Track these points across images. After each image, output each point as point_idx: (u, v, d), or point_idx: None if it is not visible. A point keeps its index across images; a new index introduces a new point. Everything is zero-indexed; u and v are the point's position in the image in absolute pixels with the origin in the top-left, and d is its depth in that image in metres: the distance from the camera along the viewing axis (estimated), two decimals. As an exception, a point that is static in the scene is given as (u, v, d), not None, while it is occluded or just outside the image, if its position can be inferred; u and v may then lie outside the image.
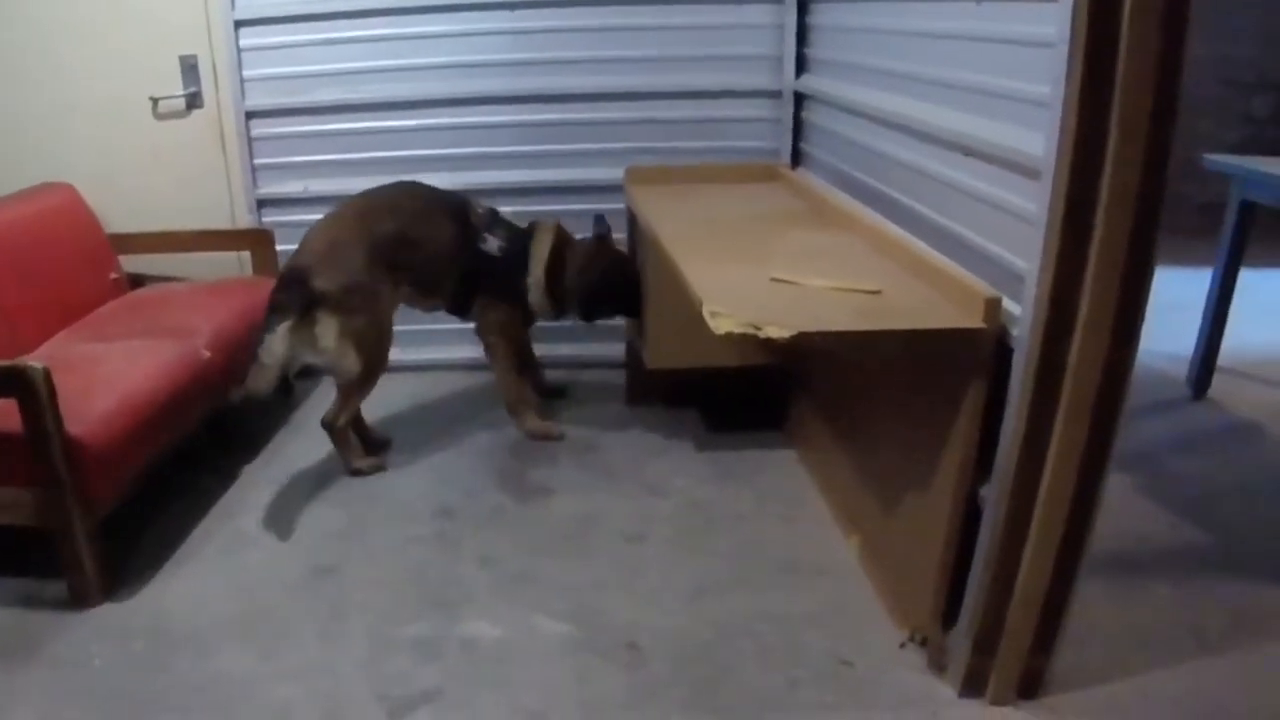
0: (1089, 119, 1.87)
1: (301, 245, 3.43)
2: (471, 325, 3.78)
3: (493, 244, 3.57)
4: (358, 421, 3.66)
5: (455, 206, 3.59)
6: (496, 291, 3.63)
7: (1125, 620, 2.67)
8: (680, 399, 4.05)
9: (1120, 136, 1.86)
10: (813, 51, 4.04)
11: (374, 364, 3.45)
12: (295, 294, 3.26)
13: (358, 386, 3.46)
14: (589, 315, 3.80)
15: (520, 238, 3.64)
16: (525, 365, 3.92)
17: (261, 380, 3.22)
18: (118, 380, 3.03)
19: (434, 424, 3.96)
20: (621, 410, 4.09)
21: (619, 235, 3.92)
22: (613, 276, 3.73)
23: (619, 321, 3.98)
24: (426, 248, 3.50)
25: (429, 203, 3.56)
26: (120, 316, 3.77)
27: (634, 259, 3.84)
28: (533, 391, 3.95)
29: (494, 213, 3.65)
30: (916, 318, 2.33)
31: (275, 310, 3.25)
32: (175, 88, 4.19)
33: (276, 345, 3.21)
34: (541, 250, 3.63)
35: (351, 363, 3.38)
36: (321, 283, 3.27)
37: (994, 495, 2.22)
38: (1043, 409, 2.09)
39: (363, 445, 3.66)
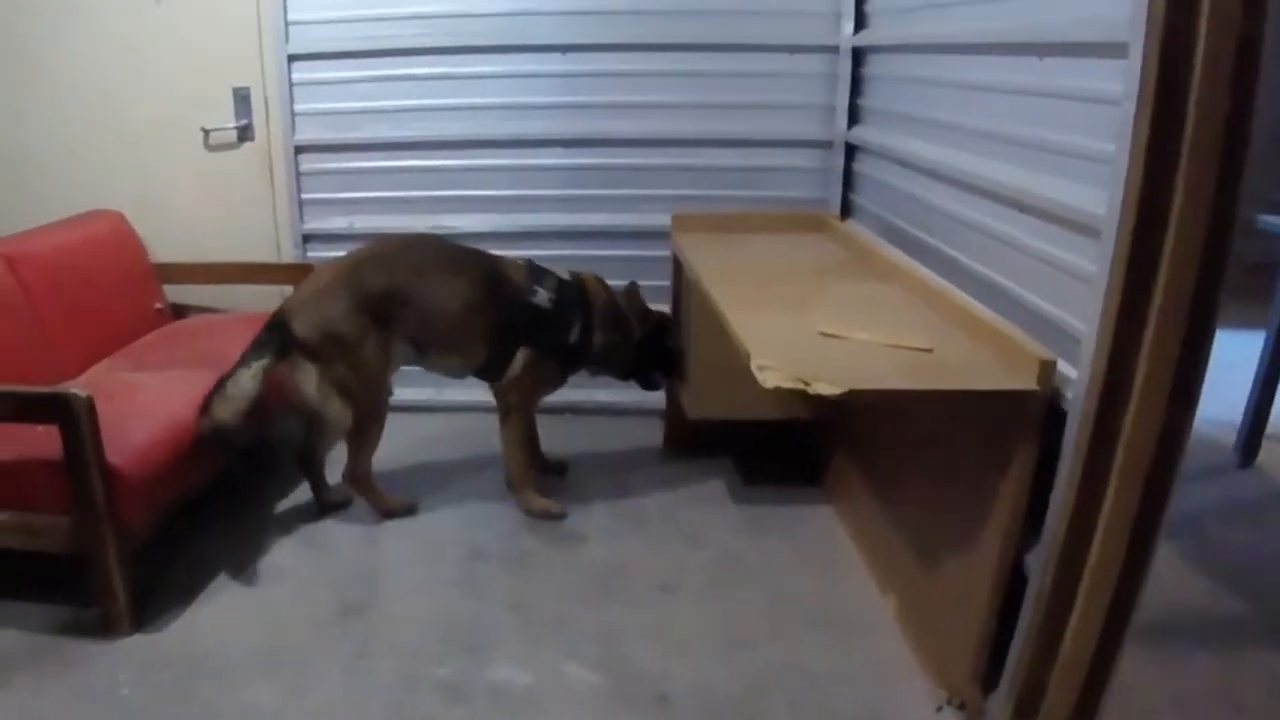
0: (1153, 178, 1.84)
1: (297, 288, 3.43)
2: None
3: (543, 296, 3.43)
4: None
5: (476, 266, 3.44)
6: (544, 344, 3.49)
7: (1164, 688, 2.61)
8: (718, 449, 4.01)
9: (1186, 196, 1.83)
10: (866, 102, 4.03)
11: (364, 415, 3.36)
12: (276, 335, 3.22)
13: (357, 437, 3.40)
14: (640, 374, 3.77)
15: (568, 288, 3.52)
16: (529, 440, 3.75)
17: (227, 410, 3.09)
18: (157, 410, 3.05)
19: (467, 466, 3.93)
20: (658, 458, 4.06)
21: (664, 283, 3.93)
22: (664, 335, 3.72)
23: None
24: (427, 305, 3.34)
25: (439, 260, 3.42)
26: (162, 346, 3.80)
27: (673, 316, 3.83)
28: (532, 468, 3.77)
29: (535, 265, 3.52)
30: (969, 378, 2.29)
31: (255, 347, 3.21)
32: (228, 119, 4.24)
33: (246, 380, 3.13)
34: (599, 301, 3.56)
35: (337, 412, 3.30)
36: (300, 328, 3.22)
37: (1041, 561, 2.16)
38: (1095, 475, 2.04)
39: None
